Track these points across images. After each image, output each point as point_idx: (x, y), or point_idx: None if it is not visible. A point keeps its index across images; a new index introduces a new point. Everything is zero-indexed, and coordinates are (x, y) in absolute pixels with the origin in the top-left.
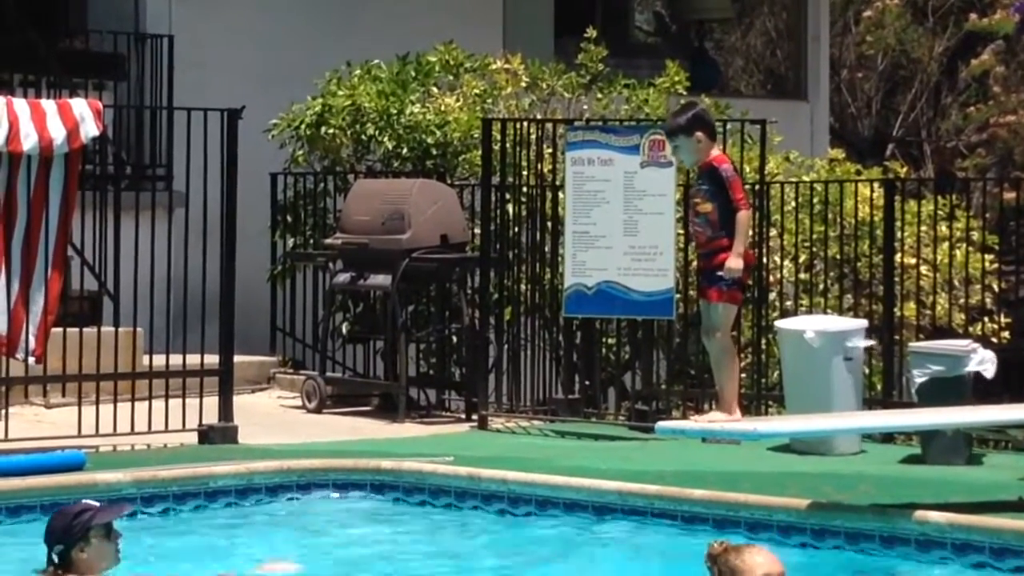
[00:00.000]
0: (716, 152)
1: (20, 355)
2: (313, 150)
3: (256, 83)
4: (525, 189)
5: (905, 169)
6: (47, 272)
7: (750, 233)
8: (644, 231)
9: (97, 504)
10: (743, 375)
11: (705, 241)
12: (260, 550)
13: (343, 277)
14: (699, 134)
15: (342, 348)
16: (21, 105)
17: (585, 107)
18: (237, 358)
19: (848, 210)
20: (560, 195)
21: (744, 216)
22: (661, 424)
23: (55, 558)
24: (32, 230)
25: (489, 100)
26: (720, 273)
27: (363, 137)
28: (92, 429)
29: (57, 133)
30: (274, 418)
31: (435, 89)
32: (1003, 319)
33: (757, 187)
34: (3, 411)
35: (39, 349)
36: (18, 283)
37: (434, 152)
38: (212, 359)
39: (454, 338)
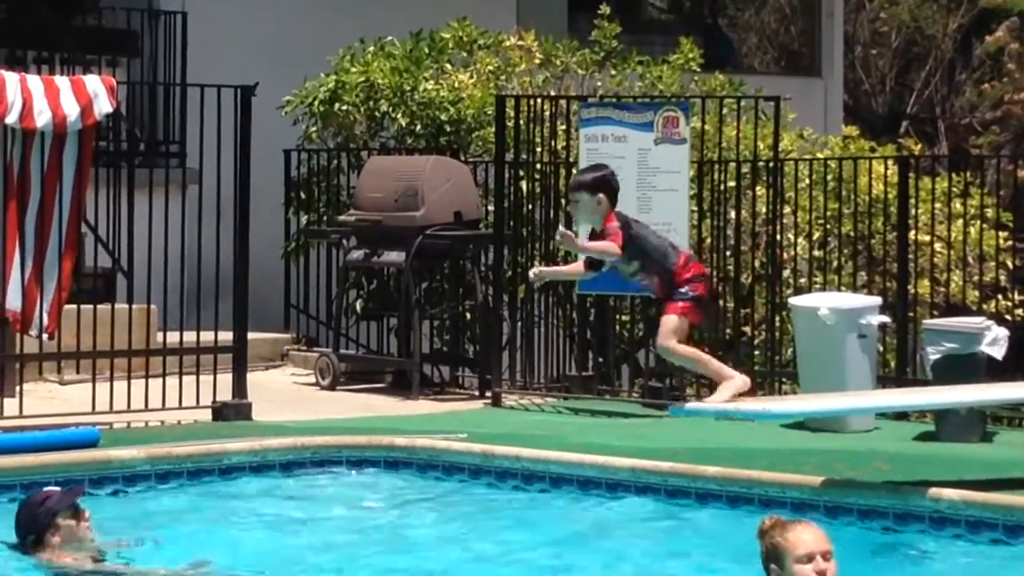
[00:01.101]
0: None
1: (34, 332)
2: (327, 127)
3: (270, 60)
4: (539, 166)
5: (919, 146)
6: (61, 249)
7: (607, 252)
8: (658, 208)
9: (57, 489)
10: (757, 352)
11: (658, 287)
12: (272, 527)
13: (357, 254)
14: (601, 195)
15: (356, 325)
16: (35, 82)
17: (599, 84)
18: (251, 335)
19: (862, 187)
20: (574, 172)
21: (609, 246)
22: (675, 406)
23: (30, 548)
24: (46, 207)
25: (503, 77)
26: (682, 289)
27: (377, 114)
28: (106, 406)
29: (71, 110)
30: (288, 395)
31: (449, 66)
32: (1017, 296)
33: (771, 164)
34: (17, 388)
35: (52, 326)
36: (32, 260)
37: (448, 129)
38: (226, 336)
39: (468, 315)
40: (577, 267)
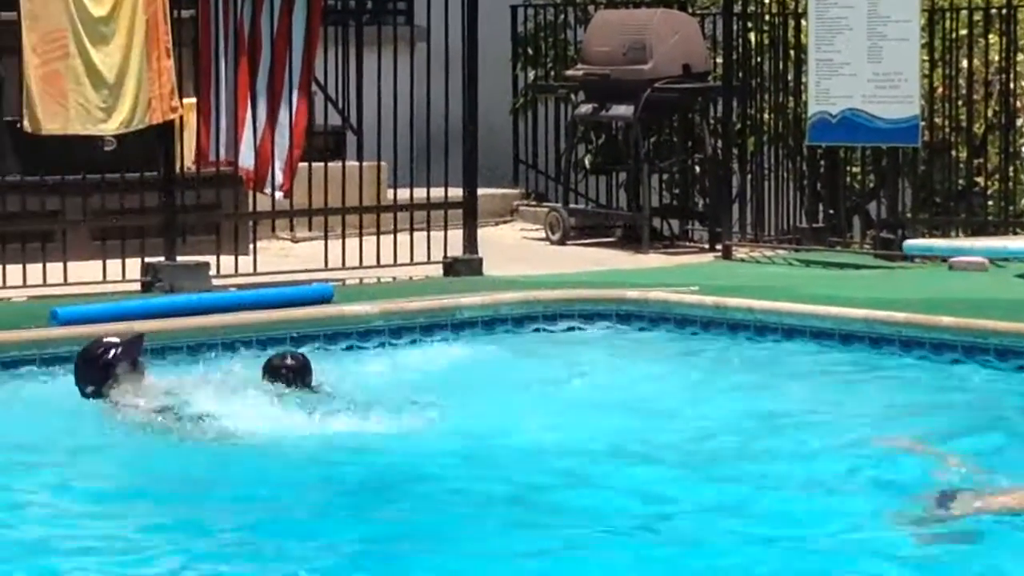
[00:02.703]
0: None
1: (268, 190)
2: None
3: None
4: (768, 17)
5: None
6: (292, 107)
7: None
8: (888, 57)
9: (116, 340)
10: (990, 202)
11: None
12: (508, 380)
13: (585, 108)
14: None
15: (584, 180)
16: None
17: None
18: (480, 191)
19: None
20: (803, 22)
21: None
22: (909, 242)
23: (89, 396)
24: (276, 66)
25: None
26: None
27: None
28: (338, 262)
29: None
30: (518, 250)
31: None
32: None
33: (1004, 11)
34: (251, 245)
35: (287, 184)
36: (264, 119)
37: None
38: (456, 192)
39: (697, 168)
40: None
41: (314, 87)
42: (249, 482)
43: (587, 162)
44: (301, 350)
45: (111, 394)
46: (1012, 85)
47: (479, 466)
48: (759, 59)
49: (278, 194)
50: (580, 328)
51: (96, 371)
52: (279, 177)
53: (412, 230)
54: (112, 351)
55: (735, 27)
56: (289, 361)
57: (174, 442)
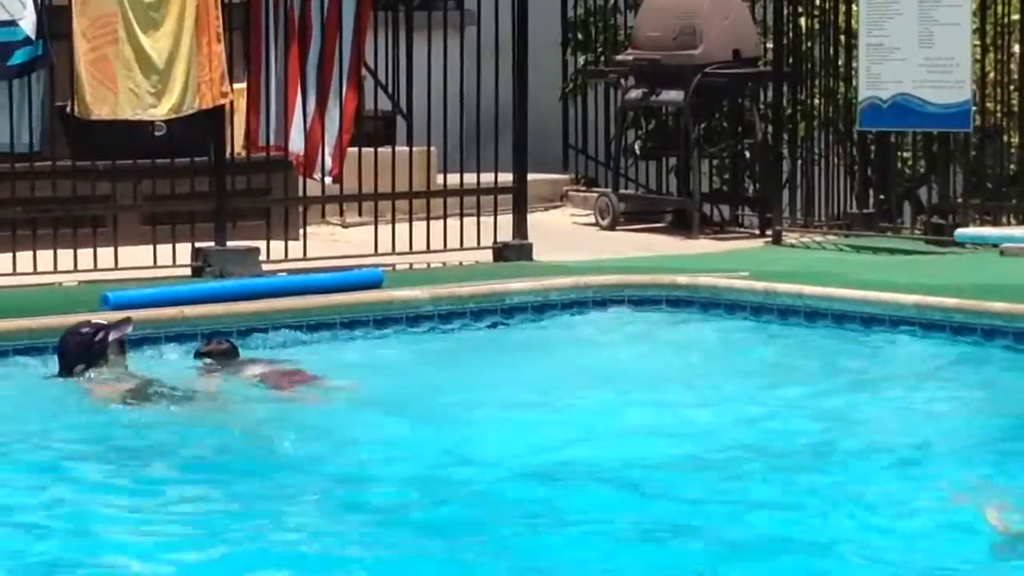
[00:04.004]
0: None
1: (318, 175)
2: None
3: None
4: (818, 2)
5: None
6: (342, 93)
7: None
8: (940, 42)
9: (105, 322)
10: None
11: None
12: (556, 366)
13: (635, 94)
14: None
15: (634, 165)
16: None
17: None
18: (530, 176)
19: None
20: (854, 7)
21: None
22: (960, 231)
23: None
24: (327, 51)
25: None
26: None
27: None
28: (388, 248)
29: None
30: (567, 235)
31: None
32: None
33: None
34: (301, 230)
35: (336, 169)
36: (314, 104)
37: None
38: (506, 177)
39: (747, 154)
40: None
41: (364, 72)
42: (241, 458)
43: (637, 147)
44: (353, 335)
45: (97, 374)
46: None
47: (519, 453)
48: (809, 44)
49: (327, 179)
50: (630, 313)
51: (90, 352)
52: (329, 162)
53: (462, 215)
54: (105, 332)
55: (785, 12)
56: (213, 347)
57: (167, 416)
